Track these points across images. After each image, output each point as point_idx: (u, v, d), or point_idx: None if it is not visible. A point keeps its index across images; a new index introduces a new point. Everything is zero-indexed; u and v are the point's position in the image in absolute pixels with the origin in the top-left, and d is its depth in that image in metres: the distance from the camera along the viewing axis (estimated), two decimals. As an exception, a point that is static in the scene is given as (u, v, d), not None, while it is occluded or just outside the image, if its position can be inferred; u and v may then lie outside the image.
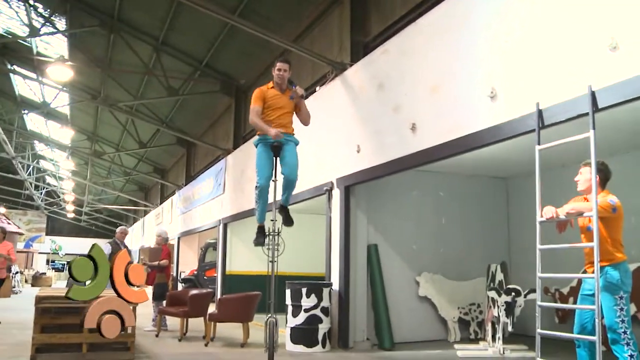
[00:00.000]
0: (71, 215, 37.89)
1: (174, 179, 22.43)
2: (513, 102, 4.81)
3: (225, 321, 7.58)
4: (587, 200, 4.01)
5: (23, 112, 21.80)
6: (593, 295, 3.80)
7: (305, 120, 5.24)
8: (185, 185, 18.64)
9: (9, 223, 22.95)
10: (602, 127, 4.38)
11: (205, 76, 14.02)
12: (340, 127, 7.78)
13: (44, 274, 28.37)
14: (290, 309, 7.08)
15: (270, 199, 5.09)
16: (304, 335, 6.93)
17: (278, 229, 5.06)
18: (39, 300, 5.94)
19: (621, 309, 3.74)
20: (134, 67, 14.10)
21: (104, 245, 9.25)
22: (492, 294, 6.82)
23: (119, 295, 5.79)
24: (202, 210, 15.40)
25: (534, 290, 5.72)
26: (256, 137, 5.20)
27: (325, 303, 7.00)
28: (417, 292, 7.90)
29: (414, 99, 6.21)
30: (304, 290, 6.98)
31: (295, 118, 5.30)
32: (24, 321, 9.28)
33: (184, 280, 16.15)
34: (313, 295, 6.95)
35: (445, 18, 5.78)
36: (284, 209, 5.14)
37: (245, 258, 12.41)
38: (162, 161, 24.26)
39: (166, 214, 21.37)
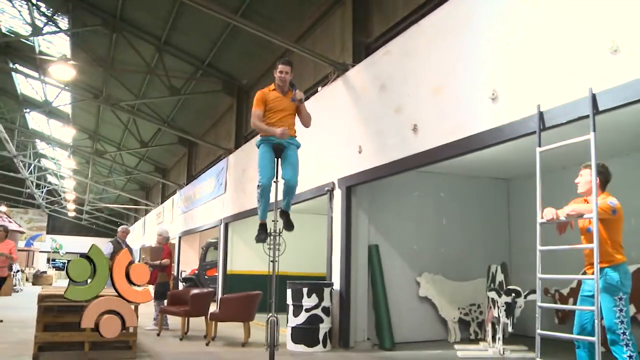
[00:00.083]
0: (72, 214, 37.93)
1: (175, 178, 22.47)
2: (514, 104, 4.84)
3: (227, 320, 7.61)
4: (587, 202, 4.04)
5: (25, 110, 21.84)
6: (593, 296, 3.83)
7: (305, 123, 5.24)
8: (187, 184, 18.67)
9: (10, 221, 22.99)
10: (605, 129, 4.41)
11: (207, 76, 14.05)
12: (342, 128, 7.81)
13: (45, 272, 28.42)
14: (291, 308, 7.10)
15: (272, 199, 5.11)
16: (305, 334, 6.96)
17: (279, 230, 5.09)
18: (41, 298, 5.97)
19: (620, 310, 3.77)
20: (136, 66, 14.13)
21: (106, 244, 9.30)
22: (493, 294, 6.84)
23: (119, 294, 5.84)
24: (204, 210, 15.43)
25: (534, 291, 5.74)
26: (258, 138, 5.23)
27: (326, 303, 7.03)
28: (417, 292, 7.92)
29: (416, 100, 6.24)
30: (305, 290, 7.01)
31: (296, 120, 5.32)
32: (25, 319, 9.32)
33: (185, 280, 16.18)
34: (314, 295, 6.98)
35: (448, 19, 5.80)
36: (284, 214, 5.15)
37: (246, 258, 12.45)
38: (164, 160, 24.30)
39: (167, 213, 21.41)
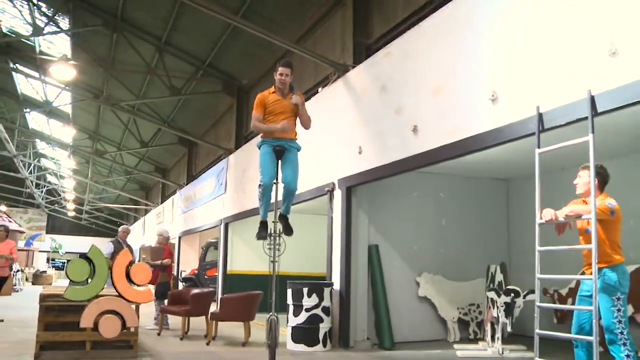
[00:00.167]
0: (72, 213, 37.94)
1: (175, 178, 22.49)
2: (514, 105, 4.87)
3: (227, 320, 7.64)
4: (586, 203, 4.07)
5: (25, 110, 21.85)
6: (591, 296, 3.87)
7: (305, 125, 5.25)
8: (187, 184, 18.70)
9: (10, 221, 23.00)
10: (604, 131, 4.45)
11: (207, 76, 14.07)
12: (343, 129, 7.84)
13: (45, 272, 28.44)
14: (291, 308, 7.13)
15: (273, 199, 5.14)
16: (305, 334, 6.99)
17: (279, 230, 5.13)
18: (43, 298, 6.00)
19: (618, 310, 3.81)
20: (137, 66, 14.16)
21: (107, 244, 9.33)
22: (492, 294, 6.88)
23: (119, 294, 5.87)
24: (204, 210, 15.46)
25: (533, 291, 5.78)
26: (259, 139, 5.25)
27: (326, 303, 7.06)
28: (417, 292, 7.95)
29: (416, 101, 6.27)
30: (305, 290, 7.04)
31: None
32: (25, 319, 9.34)
33: (185, 280, 16.20)
34: (314, 295, 7.01)
35: (449, 19, 5.83)
36: (283, 218, 5.17)
37: (246, 258, 12.48)
38: (164, 160, 24.32)
39: (167, 213, 21.43)
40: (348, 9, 8.85)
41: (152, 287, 8.82)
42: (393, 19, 8.00)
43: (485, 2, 5.35)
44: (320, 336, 6.97)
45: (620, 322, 3.78)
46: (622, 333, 3.77)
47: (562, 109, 4.34)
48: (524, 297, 6.55)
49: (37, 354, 5.77)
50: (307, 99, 7.70)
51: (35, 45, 16.00)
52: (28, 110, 21.82)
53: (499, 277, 6.91)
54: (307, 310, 6.99)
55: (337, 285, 7.42)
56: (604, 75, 4.01)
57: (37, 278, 25.94)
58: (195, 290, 8.34)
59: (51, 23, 13.91)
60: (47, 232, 41.25)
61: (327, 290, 7.12)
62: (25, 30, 15.50)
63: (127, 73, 15.12)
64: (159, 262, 9.04)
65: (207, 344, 7.40)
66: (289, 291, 7.21)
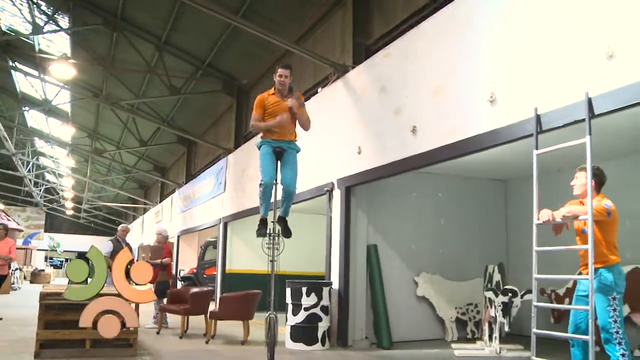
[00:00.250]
0: (70, 212, 37.90)
1: (174, 177, 22.50)
2: (512, 107, 4.92)
3: (226, 319, 7.67)
4: (583, 204, 4.11)
5: (24, 109, 21.84)
6: (587, 296, 3.91)
7: (304, 126, 5.27)
8: (186, 183, 18.71)
9: (8, 219, 22.98)
10: (602, 133, 4.48)
11: (207, 76, 14.09)
12: (342, 129, 7.87)
13: (43, 270, 28.43)
14: (290, 307, 7.17)
15: (273, 198, 5.18)
16: (304, 333, 7.02)
17: (278, 230, 5.16)
18: (43, 296, 6.02)
19: (614, 310, 3.85)
20: (137, 65, 14.17)
21: (106, 242, 9.34)
22: (490, 294, 6.92)
23: (119, 294, 5.89)
24: (203, 209, 15.48)
25: (530, 291, 5.80)
26: (259, 139, 5.28)
27: (325, 302, 7.09)
28: (415, 291, 8.00)
29: (415, 102, 6.31)
30: (304, 289, 7.08)
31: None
32: (24, 317, 9.37)
33: (183, 279, 16.22)
34: (313, 294, 7.05)
35: (448, 21, 5.87)
36: (282, 220, 5.20)
37: (245, 257, 12.51)
38: (163, 159, 24.32)
39: (166, 212, 21.45)
40: (348, 9, 8.88)
41: (151, 286, 8.87)
42: (393, 19, 8.03)
43: (484, 4, 5.39)
44: (319, 335, 7.01)
45: (615, 321, 3.83)
46: (617, 332, 3.82)
47: (560, 111, 4.38)
48: (522, 297, 6.59)
49: (37, 352, 5.79)
50: (307, 99, 7.73)
51: (34, 43, 15.99)
52: (27, 108, 21.80)
53: (497, 277, 6.95)
54: (306, 309, 7.03)
55: (335, 285, 7.46)
56: (602, 78, 4.05)
57: (35, 277, 25.94)
58: (195, 289, 8.36)
59: (51, 22, 13.91)
60: (45, 231, 41.20)
61: (326, 290, 7.16)
62: (24, 28, 15.49)
63: (126, 72, 15.13)
64: (158, 261, 9.06)
65: (207, 342, 7.43)
66: (288, 290, 7.25)
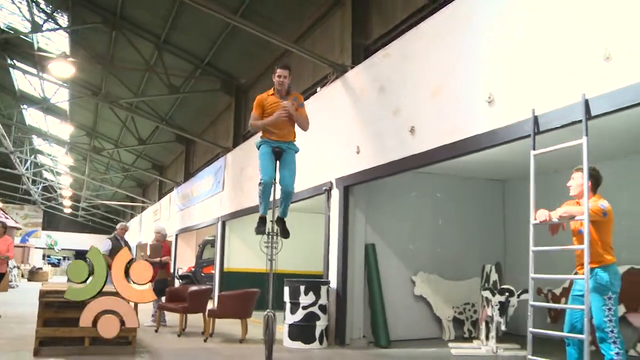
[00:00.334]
0: (68, 210, 37.85)
1: (172, 175, 22.49)
2: (510, 108, 4.95)
3: (224, 317, 7.70)
4: (579, 205, 4.15)
5: (22, 107, 21.81)
6: (583, 295, 3.95)
7: (303, 127, 5.29)
8: (184, 182, 18.72)
9: (6, 217, 22.96)
10: (599, 134, 4.52)
11: (206, 75, 14.10)
12: (341, 129, 7.90)
13: (40, 268, 28.41)
14: (288, 306, 7.20)
15: (272, 197, 5.20)
16: (302, 332, 7.06)
17: (277, 229, 5.19)
18: (42, 294, 6.04)
19: (609, 309, 3.89)
20: (136, 64, 14.17)
21: (105, 241, 9.36)
22: (487, 293, 6.96)
23: (119, 294, 5.92)
24: (201, 208, 15.49)
25: (526, 291, 5.85)
26: (258, 139, 5.31)
27: (323, 301, 7.13)
28: (413, 291, 8.03)
29: (414, 102, 6.34)
30: (302, 288, 7.11)
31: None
32: (22, 315, 9.39)
33: (182, 277, 16.24)
34: (311, 293, 7.08)
35: (447, 21, 5.90)
36: (281, 221, 5.22)
37: (243, 255, 12.53)
38: (161, 158, 24.31)
39: (164, 210, 21.45)
40: (347, 9, 8.90)
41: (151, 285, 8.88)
42: (392, 20, 8.06)
43: (483, 5, 5.43)
44: (317, 334, 7.04)
45: (611, 320, 3.87)
46: (612, 332, 3.85)
47: (557, 112, 4.42)
48: (518, 296, 6.63)
49: (37, 349, 5.82)
50: (306, 99, 7.74)
51: (33, 42, 15.98)
52: (25, 106, 21.77)
53: (494, 276, 6.99)
54: (304, 308, 7.06)
55: (333, 284, 7.49)
56: (599, 80, 4.09)
57: (33, 275, 25.92)
58: (193, 288, 8.39)
59: (50, 20, 13.90)
60: (43, 229, 41.14)
61: (323, 289, 7.19)
62: (23, 26, 15.47)
63: (125, 71, 15.13)
64: (158, 259, 9.08)
65: (205, 340, 7.45)
66: (286, 289, 7.28)
